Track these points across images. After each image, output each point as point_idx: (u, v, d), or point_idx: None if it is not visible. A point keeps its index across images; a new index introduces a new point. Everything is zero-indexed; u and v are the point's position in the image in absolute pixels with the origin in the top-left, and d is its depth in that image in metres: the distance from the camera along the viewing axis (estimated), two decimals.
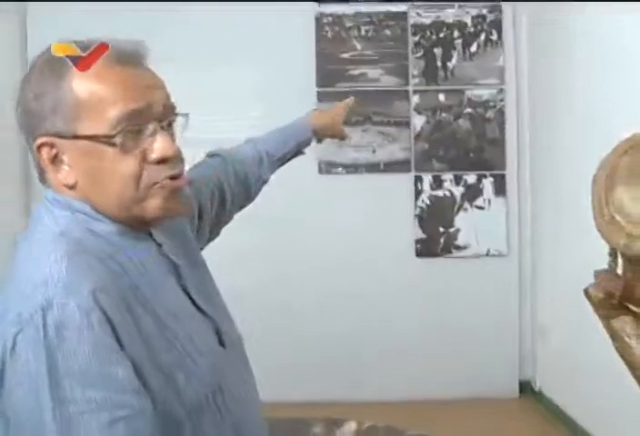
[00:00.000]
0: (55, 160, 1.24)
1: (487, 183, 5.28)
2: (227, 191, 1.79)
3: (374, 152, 5.32)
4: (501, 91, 5.29)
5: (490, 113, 5.29)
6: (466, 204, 5.30)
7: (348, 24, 5.28)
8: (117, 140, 1.21)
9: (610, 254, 1.28)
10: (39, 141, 1.23)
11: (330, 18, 5.27)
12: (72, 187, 1.24)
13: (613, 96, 3.85)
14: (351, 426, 4.84)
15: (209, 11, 5.11)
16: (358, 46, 5.30)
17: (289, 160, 2.07)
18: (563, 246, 4.68)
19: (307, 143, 2.12)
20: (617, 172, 1.25)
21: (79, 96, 1.22)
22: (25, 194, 5.28)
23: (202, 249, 1.62)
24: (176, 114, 1.30)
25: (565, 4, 4.39)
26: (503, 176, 5.29)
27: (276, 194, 5.21)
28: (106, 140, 1.20)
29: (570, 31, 4.48)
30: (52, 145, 1.23)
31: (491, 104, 5.29)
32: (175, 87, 1.37)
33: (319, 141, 2.18)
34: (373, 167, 5.32)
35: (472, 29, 5.28)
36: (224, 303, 1.50)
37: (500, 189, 5.28)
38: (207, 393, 1.27)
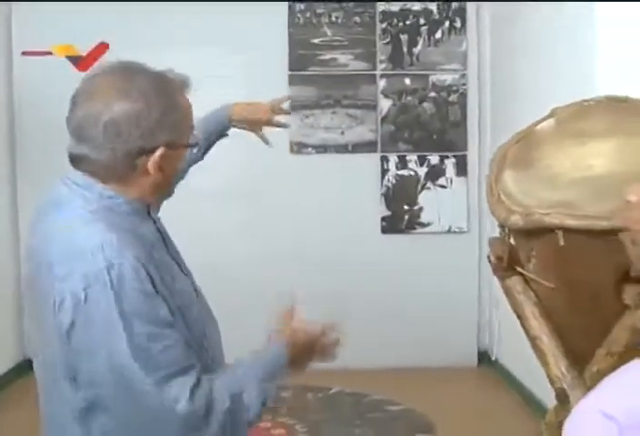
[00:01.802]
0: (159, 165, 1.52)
1: (450, 164, 5.56)
2: None
3: (342, 133, 5.59)
4: (463, 76, 5.57)
5: (453, 97, 5.57)
6: (430, 184, 5.58)
7: (319, 11, 5.53)
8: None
9: (499, 226, 1.57)
10: (162, 150, 1.50)
11: (302, 5, 5.52)
12: (153, 181, 1.55)
13: (560, 80, 4.13)
14: (318, 391, 5.15)
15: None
16: (329, 32, 5.55)
17: (214, 141, 2.38)
18: None
19: (223, 129, 2.40)
20: (507, 158, 1.53)
21: (184, 114, 1.56)
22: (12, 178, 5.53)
23: None
24: None
25: None
26: (464, 157, 5.58)
27: (249, 173, 5.54)
28: (190, 146, 1.62)
29: (528, 19, 4.74)
30: (166, 152, 1.51)
31: (454, 88, 5.56)
32: None
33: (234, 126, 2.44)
34: (341, 148, 5.59)
35: (437, 17, 5.54)
36: None
37: (461, 169, 5.57)
38: (202, 330, 1.62)
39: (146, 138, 1.48)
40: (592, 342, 1.51)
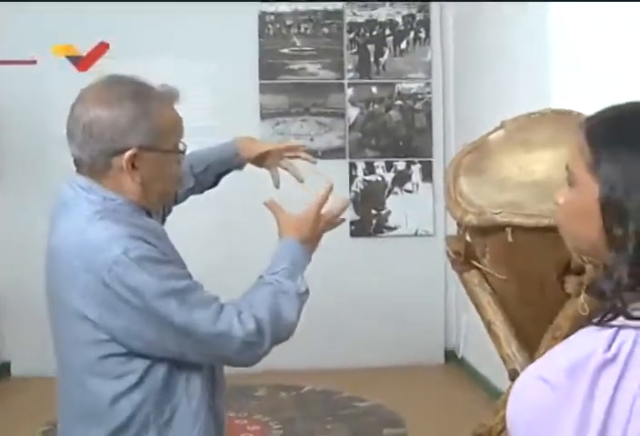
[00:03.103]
0: (134, 165, 1.70)
1: (416, 169, 5.76)
2: None
3: (312, 140, 5.77)
4: (428, 84, 5.77)
5: (418, 105, 5.77)
6: (396, 189, 5.78)
7: (289, 22, 5.71)
8: (180, 154, 1.78)
9: (457, 224, 1.75)
10: (132, 151, 1.68)
11: (272, 16, 5.70)
12: (139, 183, 1.71)
13: (518, 89, 4.34)
14: (291, 390, 5.31)
15: (161, 10, 5.49)
16: (298, 43, 5.73)
17: (220, 174, 2.45)
18: None
19: (229, 160, 2.44)
20: (462, 165, 1.72)
21: (163, 122, 1.72)
22: None
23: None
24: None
25: (485, 4, 4.88)
26: (430, 163, 5.77)
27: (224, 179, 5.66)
28: (177, 153, 1.77)
29: (489, 28, 4.95)
30: (135, 155, 1.69)
31: (419, 96, 5.77)
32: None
33: (240, 168, 2.49)
34: (311, 154, 5.72)
35: (402, 27, 5.75)
36: None
37: (427, 174, 5.76)
38: None
39: (117, 140, 1.68)
40: (540, 328, 1.69)
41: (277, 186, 2.45)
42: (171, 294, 1.62)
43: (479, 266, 1.74)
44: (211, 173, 2.42)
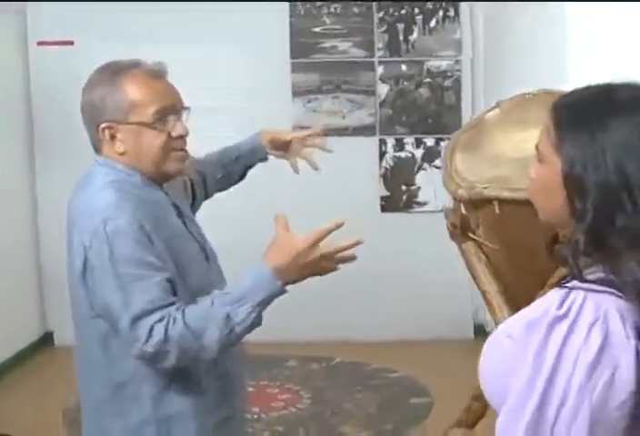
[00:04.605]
0: (114, 137, 1.90)
1: (444, 146, 5.84)
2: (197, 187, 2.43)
3: (343, 117, 5.88)
4: (457, 62, 5.84)
5: (447, 82, 5.84)
6: (426, 165, 5.87)
7: (319, 2, 5.80)
8: (155, 125, 1.89)
9: (453, 198, 1.87)
10: (103, 125, 1.89)
11: None
12: (122, 154, 1.90)
13: (546, 67, 4.42)
14: (322, 361, 5.46)
15: None
16: (328, 22, 5.83)
17: (249, 166, 2.55)
18: None
19: (258, 151, 2.53)
20: (459, 143, 1.83)
21: (132, 97, 1.89)
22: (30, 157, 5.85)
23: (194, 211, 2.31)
24: (185, 108, 2.00)
25: None
26: None
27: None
28: (148, 125, 1.89)
29: (518, 6, 5.01)
30: (111, 128, 1.89)
31: (448, 73, 5.84)
32: (168, 61, 1.99)
33: (265, 159, 2.57)
34: (342, 131, 5.87)
35: (431, 6, 5.81)
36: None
37: None
38: (205, 289, 1.90)
39: (95, 116, 1.91)
40: (531, 296, 1.80)
41: (297, 172, 2.55)
42: (116, 276, 1.79)
43: (474, 237, 1.86)
44: (241, 163, 2.52)
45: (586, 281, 1.22)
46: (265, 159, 2.57)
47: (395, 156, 5.88)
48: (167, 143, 1.92)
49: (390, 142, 5.88)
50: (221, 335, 1.76)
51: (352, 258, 1.94)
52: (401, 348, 5.60)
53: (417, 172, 5.88)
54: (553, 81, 4.10)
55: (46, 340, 5.84)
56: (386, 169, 5.89)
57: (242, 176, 2.57)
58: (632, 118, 1.24)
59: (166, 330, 1.75)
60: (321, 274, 1.89)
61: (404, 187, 5.89)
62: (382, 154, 5.88)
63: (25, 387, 5.04)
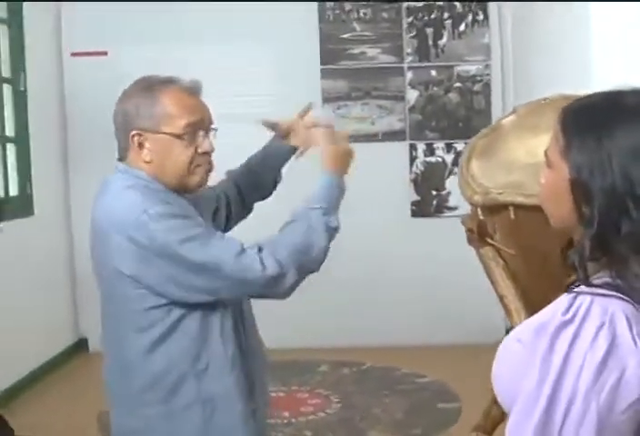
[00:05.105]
0: (142, 145, 1.95)
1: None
2: (232, 201, 2.43)
3: (372, 123, 5.90)
4: (487, 66, 5.84)
5: (477, 87, 5.85)
6: (456, 169, 5.85)
7: (348, 8, 5.84)
8: (184, 137, 1.94)
9: (470, 204, 1.88)
10: (134, 132, 1.94)
11: (332, 2, 5.83)
12: (147, 163, 1.95)
13: (572, 67, 4.41)
14: (352, 366, 5.48)
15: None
16: (357, 28, 5.86)
17: (275, 166, 2.48)
18: None
19: (273, 147, 2.50)
20: (475, 150, 1.84)
21: (165, 108, 1.95)
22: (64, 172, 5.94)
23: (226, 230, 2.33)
24: (213, 129, 2.05)
25: None
26: None
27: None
28: (178, 136, 1.94)
29: (545, 11, 5.01)
30: (141, 135, 1.94)
31: (478, 78, 5.84)
32: (199, 68, 2.04)
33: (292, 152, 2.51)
34: (372, 137, 5.90)
35: (460, 10, 5.82)
36: None
37: None
38: None
39: (127, 123, 1.96)
40: (548, 301, 1.80)
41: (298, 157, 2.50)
42: (192, 239, 1.84)
43: (491, 242, 1.87)
44: (269, 165, 2.46)
45: (593, 285, 1.23)
46: (287, 154, 2.49)
47: (425, 161, 5.89)
48: (193, 158, 1.98)
49: (420, 147, 5.89)
50: (326, 242, 1.97)
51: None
52: (432, 353, 5.59)
53: (448, 176, 5.88)
54: (578, 82, 4.10)
55: (80, 346, 5.92)
56: (417, 174, 5.90)
57: (275, 180, 2.49)
58: (638, 125, 1.24)
59: (273, 254, 1.86)
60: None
61: (434, 192, 5.90)
62: (412, 159, 5.89)
63: (59, 392, 5.11)
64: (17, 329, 4.89)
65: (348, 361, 5.55)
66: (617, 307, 1.20)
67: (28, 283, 5.17)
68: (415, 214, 5.92)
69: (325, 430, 4.34)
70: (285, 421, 4.43)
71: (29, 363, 5.19)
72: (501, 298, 1.90)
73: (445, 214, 5.89)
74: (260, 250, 1.87)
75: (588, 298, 1.22)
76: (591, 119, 1.28)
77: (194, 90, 2.01)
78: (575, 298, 1.23)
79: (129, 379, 1.99)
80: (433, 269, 5.81)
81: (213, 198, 2.32)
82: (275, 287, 1.89)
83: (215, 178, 2.26)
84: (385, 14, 5.84)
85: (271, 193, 2.51)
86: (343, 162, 2.15)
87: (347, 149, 2.20)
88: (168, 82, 1.99)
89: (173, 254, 1.83)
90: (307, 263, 1.93)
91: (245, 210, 2.45)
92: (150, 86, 1.98)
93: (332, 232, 1.99)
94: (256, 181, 2.46)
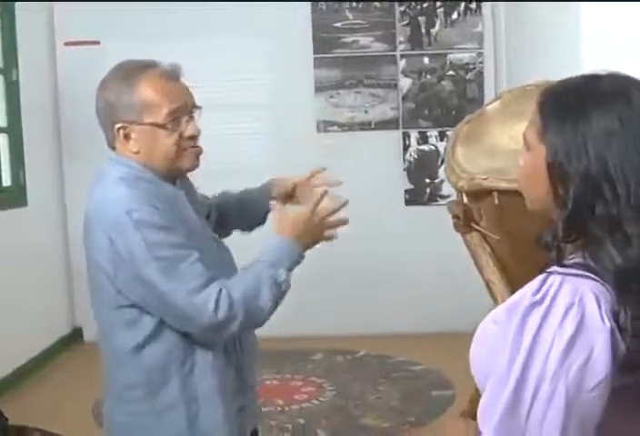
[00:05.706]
0: (128, 136, 1.94)
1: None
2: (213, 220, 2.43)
3: (366, 112, 5.91)
4: (480, 54, 5.84)
5: (470, 75, 5.85)
6: None
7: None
8: (168, 126, 1.93)
9: (456, 190, 1.89)
10: (118, 125, 1.93)
11: None
12: (136, 153, 1.94)
13: (567, 58, 4.40)
14: (347, 354, 5.49)
15: None
16: (350, 16, 5.86)
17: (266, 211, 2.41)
18: None
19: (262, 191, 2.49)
20: (460, 136, 1.85)
21: (146, 98, 1.92)
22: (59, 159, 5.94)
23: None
24: (197, 108, 2.03)
25: None
26: None
27: (276, 151, 5.86)
28: (162, 126, 1.92)
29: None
30: (125, 128, 1.93)
31: (471, 66, 5.85)
32: (194, 58, 2.03)
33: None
34: (365, 125, 5.91)
35: None
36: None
37: None
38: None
39: (110, 115, 1.95)
40: None
41: None
42: (161, 260, 1.82)
43: (477, 228, 1.88)
44: (260, 209, 2.43)
45: (564, 265, 1.25)
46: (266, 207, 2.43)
47: (418, 150, 5.90)
48: (180, 143, 1.97)
49: (413, 135, 5.89)
50: (273, 295, 1.89)
51: (345, 222, 2.13)
52: (426, 341, 5.60)
53: (441, 165, 5.88)
54: (570, 70, 4.10)
55: (76, 335, 5.94)
56: (410, 162, 5.91)
57: (262, 221, 2.48)
58: (614, 109, 1.26)
59: (229, 296, 1.84)
60: (326, 240, 2.07)
61: (427, 180, 5.91)
62: (405, 148, 5.90)
63: (54, 381, 5.13)
64: (12, 319, 4.90)
65: (342, 349, 5.57)
66: (587, 287, 1.22)
67: (23, 274, 5.18)
68: (408, 202, 5.93)
69: (319, 417, 4.36)
70: (279, 409, 4.45)
71: (24, 353, 5.21)
72: (487, 283, 1.92)
73: (439, 202, 5.89)
74: (220, 290, 1.84)
75: (559, 278, 1.24)
76: (568, 102, 1.30)
77: (173, 74, 1.98)
78: (547, 278, 1.25)
79: (116, 374, 2.00)
80: (427, 257, 5.83)
81: (206, 205, 2.33)
82: (216, 332, 1.88)
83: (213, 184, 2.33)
84: (377, 3, 5.84)
85: (253, 229, 2.50)
86: (299, 226, 2.00)
87: (304, 215, 2.01)
88: (146, 67, 1.97)
89: (137, 269, 1.83)
90: (255, 313, 1.89)
91: (223, 233, 2.40)
92: (128, 74, 1.96)
93: (279, 285, 1.91)
94: (245, 216, 2.47)
